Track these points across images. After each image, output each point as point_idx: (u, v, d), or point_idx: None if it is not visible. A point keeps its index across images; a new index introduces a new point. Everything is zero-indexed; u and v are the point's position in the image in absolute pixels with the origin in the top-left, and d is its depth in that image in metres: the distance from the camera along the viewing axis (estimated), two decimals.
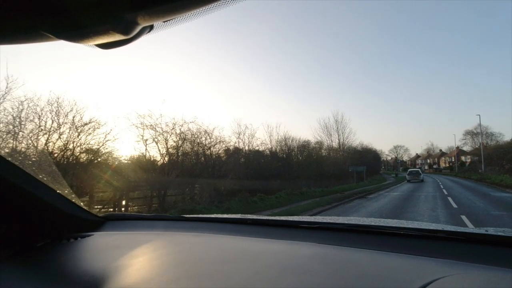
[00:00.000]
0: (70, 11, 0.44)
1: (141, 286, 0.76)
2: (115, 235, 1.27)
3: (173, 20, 0.49)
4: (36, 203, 1.12)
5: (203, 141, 12.20)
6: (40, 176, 1.13)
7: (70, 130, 7.87)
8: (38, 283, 0.85)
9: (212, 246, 1.09)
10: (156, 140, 10.57)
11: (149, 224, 1.46)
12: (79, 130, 8.06)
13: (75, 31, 0.47)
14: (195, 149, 12.08)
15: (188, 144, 11.81)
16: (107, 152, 8.96)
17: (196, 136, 11.96)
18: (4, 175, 0.96)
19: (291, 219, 1.41)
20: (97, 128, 8.52)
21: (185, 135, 11.42)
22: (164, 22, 0.49)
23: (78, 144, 8.00)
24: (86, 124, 8.10)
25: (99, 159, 8.64)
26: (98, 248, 1.12)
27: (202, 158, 12.50)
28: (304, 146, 22.63)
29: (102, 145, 8.67)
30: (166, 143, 10.95)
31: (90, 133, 8.38)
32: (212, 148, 12.91)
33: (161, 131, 10.70)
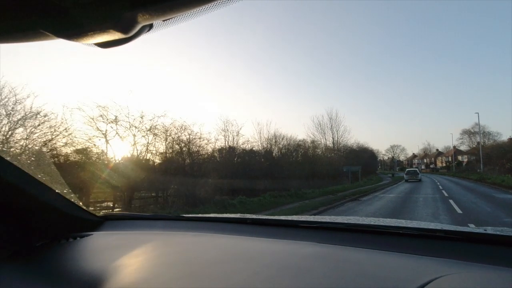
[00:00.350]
0: (70, 9, 0.44)
1: (140, 286, 0.75)
2: (114, 235, 1.25)
3: (173, 19, 0.49)
4: (34, 202, 1.12)
5: (179, 137, 10.93)
6: (39, 176, 1.11)
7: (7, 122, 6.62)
8: (37, 283, 0.83)
9: (211, 246, 1.08)
10: (121, 135, 9.31)
11: (148, 224, 1.43)
12: (22, 123, 6.81)
13: (74, 29, 0.47)
14: (169, 146, 10.84)
15: (161, 140, 10.59)
16: (57, 149, 7.66)
17: (170, 131, 10.73)
18: (2, 175, 0.96)
19: (290, 219, 1.38)
20: (46, 121, 7.27)
21: (157, 130, 10.18)
22: (163, 21, 0.49)
23: (16, 139, 6.72)
24: (23, 117, 6.83)
25: (46, 156, 7.34)
26: (97, 248, 1.11)
27: (178, 156, 11.27)
28: (299, 145, 21.55)
29: (50, 140, 7.41)
30: (134, 139, 9.70)
31: (36, 127, 7.14)
32: (190, 145, 11.66)
33: (128, 126, 9.46)
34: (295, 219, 1.39)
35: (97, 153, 8.80)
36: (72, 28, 0.46)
